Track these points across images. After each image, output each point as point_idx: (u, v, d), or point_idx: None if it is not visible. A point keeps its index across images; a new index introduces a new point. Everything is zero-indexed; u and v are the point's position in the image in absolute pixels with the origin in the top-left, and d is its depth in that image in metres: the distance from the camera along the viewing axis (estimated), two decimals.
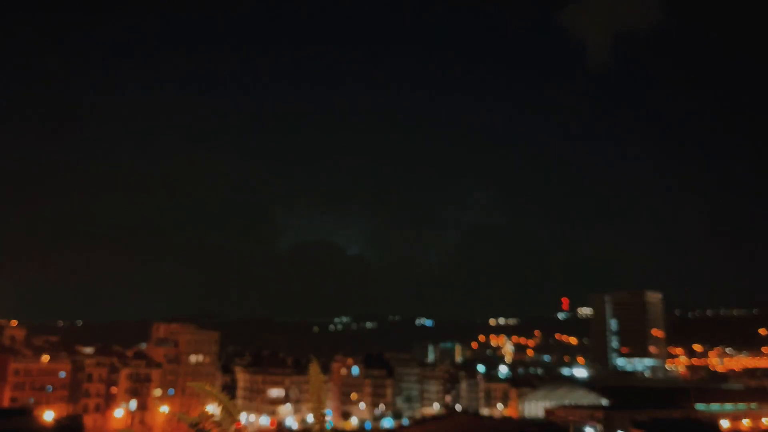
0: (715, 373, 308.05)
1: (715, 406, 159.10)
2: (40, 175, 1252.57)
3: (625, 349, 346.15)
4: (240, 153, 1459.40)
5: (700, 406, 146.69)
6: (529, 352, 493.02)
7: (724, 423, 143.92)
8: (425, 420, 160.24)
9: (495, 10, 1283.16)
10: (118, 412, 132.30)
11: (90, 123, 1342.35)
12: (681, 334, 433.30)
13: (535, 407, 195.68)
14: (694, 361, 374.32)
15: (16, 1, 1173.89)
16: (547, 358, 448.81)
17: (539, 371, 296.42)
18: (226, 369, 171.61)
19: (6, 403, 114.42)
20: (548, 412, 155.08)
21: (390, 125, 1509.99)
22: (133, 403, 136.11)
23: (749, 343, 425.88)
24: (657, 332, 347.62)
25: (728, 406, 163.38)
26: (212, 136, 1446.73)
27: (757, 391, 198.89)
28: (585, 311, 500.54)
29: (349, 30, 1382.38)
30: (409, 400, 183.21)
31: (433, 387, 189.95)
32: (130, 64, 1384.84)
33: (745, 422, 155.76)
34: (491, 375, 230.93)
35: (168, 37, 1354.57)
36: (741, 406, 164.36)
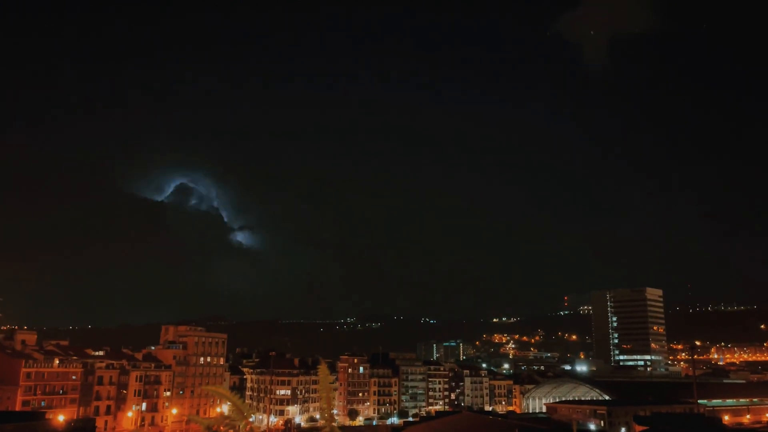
0: (717, 367, 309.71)
1: (716, 401, 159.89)
2: (46, 179, 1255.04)
3: (626, 346, 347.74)
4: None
5: (701, 402, 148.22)
6: (532, 350, 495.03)
7: (726, 418, 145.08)
8: (430, 417, 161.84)
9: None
10: (129, 414, 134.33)
11: (94, 122, 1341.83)
12: (682, 330, 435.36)
13: (538, 403, 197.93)
14: (696, 356, 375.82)
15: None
16: (549, 355, 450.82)
17: (542, 368, 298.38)
18: (235, 370, 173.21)
19: (18, 406, 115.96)
20: (550, 407, 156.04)
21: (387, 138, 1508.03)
22: (144, 405, 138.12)
23: (750, 338, 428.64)
24: (658, 328, 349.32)
25: (730, 401, 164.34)
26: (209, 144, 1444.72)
27: (758, 385, 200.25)
28: (586, 308, 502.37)
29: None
30: (414, 398, 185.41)
31: (438, 385, 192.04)
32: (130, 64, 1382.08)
33: (748, 417, 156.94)
34: (495, 372, 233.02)
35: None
36: (743, 401, 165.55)
